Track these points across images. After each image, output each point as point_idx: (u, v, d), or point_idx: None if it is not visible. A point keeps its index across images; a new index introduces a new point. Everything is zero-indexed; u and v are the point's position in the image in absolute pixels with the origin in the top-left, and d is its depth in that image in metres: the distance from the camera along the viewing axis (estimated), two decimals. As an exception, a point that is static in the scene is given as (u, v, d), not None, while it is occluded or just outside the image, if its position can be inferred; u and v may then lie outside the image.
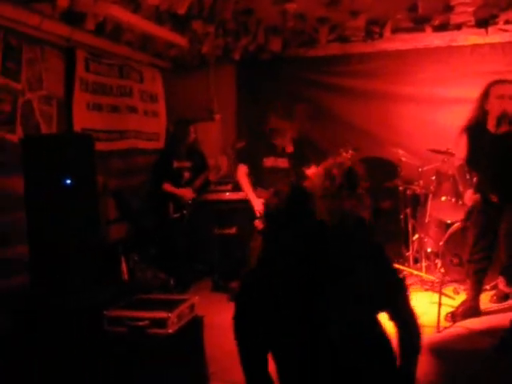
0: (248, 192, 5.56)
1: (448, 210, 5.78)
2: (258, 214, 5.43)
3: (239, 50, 7.09)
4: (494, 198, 4.60)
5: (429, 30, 6.97)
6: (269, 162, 5.57)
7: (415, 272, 5.93)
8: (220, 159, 6.24)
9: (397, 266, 5.91)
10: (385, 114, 7.06)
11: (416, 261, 6.21)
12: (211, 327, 5.00)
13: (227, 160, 6.29)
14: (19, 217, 4.69)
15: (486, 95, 4.61)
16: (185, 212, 6.00)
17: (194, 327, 4.75)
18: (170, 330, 4.26)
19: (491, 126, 4.60)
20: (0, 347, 4.53)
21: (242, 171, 5.63)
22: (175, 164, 6.15)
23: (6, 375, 4.52)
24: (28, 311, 4.55)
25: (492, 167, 4.57)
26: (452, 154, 5.36)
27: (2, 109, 4.86)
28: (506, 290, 5.10)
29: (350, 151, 5.45)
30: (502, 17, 6.66)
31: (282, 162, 5.57)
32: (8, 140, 4.89)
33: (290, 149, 5.59)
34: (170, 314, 4.27)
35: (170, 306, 4.46)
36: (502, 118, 4.42)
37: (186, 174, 6.15)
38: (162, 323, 4.26)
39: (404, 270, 5.95)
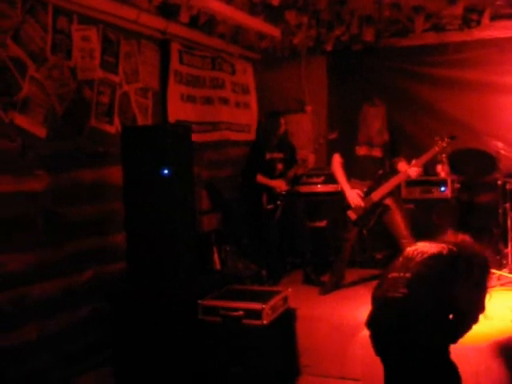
0: (342, 183, 5.47)
1: None
2: (353, 205, 5.35)
3: (331, 40, 7.00)
4: None
5: (531, 16, 6.66)
6: (362, 150, 5.46)
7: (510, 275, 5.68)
8: (308, 156, 6.15)
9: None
10: (483, 106, 6.79)
11: (515, 258, 5.96)
12: (304, 320, 4.99)
13: (314, 156, 6.18)
14: (117, 206, 4.82)
15: None
16: (279, 203, 5.97)
17: (287, 319, 4.76)
18: (265, 322, 4.28)
19: None
20: (100, 331, 4.70)
21: (337, 161, 5.54)
22: (267, 156, 6.12)
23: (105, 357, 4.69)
24: (125, 298, 4.67)
25: None
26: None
27: (101, 101, 4.99)
28: None
29: (446, 139, 5.26)
30: None
31: (376, 151, 5.44)
32: (106, 131, 5.02)
33: (385, 137, 5.46)
34: (264, 306, 4.30)
35: (263, 297, 4.49)
36: None
37: (279, 166, 6.11)
38: (256, 314, 4.29)
39: (497, 272, 5.70)
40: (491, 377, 4.00)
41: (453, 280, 3.05)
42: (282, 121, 6.18)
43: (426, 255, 3.12)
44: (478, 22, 6.77)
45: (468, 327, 3.11)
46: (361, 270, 6.15)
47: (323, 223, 6.45)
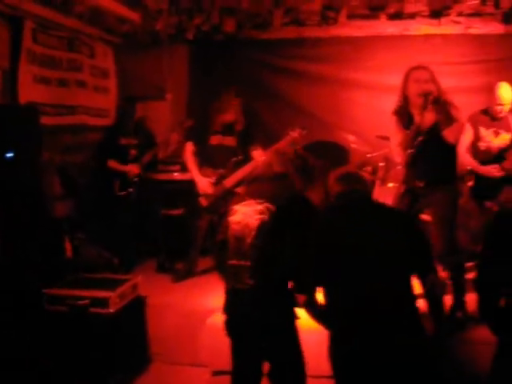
0: (192, 171, 5.53)
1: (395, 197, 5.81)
2: (201, 192, 5.42)
3: (193, 29, 6.97)
4: (420, 183, 4.55)
5: (383, 17, 6.97)
6: (215, 139, 5.53)
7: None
8: (171, 136, 6.15)
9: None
10: (336, 100, 7.07)
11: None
12: (155, 308, 4.97)
13: (178, 137, 6.18)
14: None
15: (405, 82, 4.60)
16: (131, 190, 5.92)
17: (137, 307, 4.73)
18: (112, 310, 4.24)
19: (414, 111, 4.52)
20: None
21: (189, 149, 5.59)
22: (122, 141, 6.05)
23: None
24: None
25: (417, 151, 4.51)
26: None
27: None
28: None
29: (298, 130, 5.44)
30: (455, 8, 6.71)
31: (229, 141, 5.52)
32: None
33: (238, 127, 5.55)
34: (111, 294, 4.24)
35: (112, 285, 4.44)
36: (425, 99, 4.38)
37: (133, 152, 6.06)
38: (103, 302, 4.23)
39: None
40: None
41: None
42: (139, 106, 6.11)
43: (253, 232, 3.20)
44: (335, 20, 7.00)
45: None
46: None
47: (179, 211, 6.43)
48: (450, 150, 4.49)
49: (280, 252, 3.22)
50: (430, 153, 4.34)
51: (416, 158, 4.37)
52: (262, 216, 3.22)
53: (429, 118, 4.39)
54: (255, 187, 3.47)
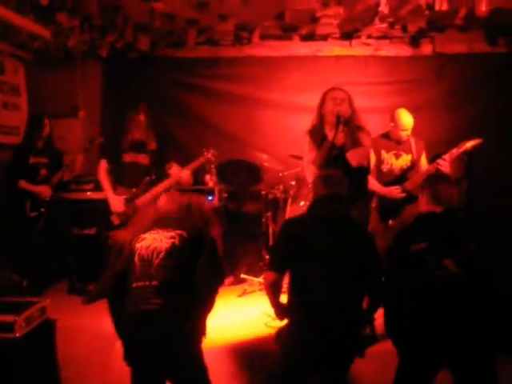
0: (106, 189, 5.48)
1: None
2: (113, 211, 5.37)
3: (106, 46, 6.91)
4: None
5: (296, 38, 7.17)
6: (128, 157, 5.49)
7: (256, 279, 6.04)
8: (76, 157, 6.07)
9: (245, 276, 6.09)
10: (250, 119, 7.20)
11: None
12: (66, 331, 4.86)
13: (83, 158, 6.12)
14: None
15: (323, 101, 4.77)
16: (42, 210, 5.80)
17: (45, 331, 4.60)
18: (18, 334, 4.12)
19: (328, 130, 4.73)
20: None
21: (103, 167, 5.54)
22: (31, 160, 5.93)
23: None
24: None
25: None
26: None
27: None
28: None
29: (212, 151, 5.51)
30: (365, 31, 6.98)
31: (143, 158, 5.50)
32: None
33: (152, 145, 5.54)
34: (17, 318, 4.13)
35: (18, 309, 4.30)
36: (338, 119, 4.55)
37: (43, 171, 5.95)
38: (8, 327, 4.10)
39: (249, 278, 6.07)
40: (244, 377, 4.24)
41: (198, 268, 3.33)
42: (46, 122, 6.02)
43: (162, 254, 3.24)
44: (249, 40, 7.15)
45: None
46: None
47: (92, 231, 6.33)
48: (359, 168, 4.65)
49: (191, 274, 3.27)
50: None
51: None
52: (173, 240, 3.27)
53: (340, 137, 4.54)
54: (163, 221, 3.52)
